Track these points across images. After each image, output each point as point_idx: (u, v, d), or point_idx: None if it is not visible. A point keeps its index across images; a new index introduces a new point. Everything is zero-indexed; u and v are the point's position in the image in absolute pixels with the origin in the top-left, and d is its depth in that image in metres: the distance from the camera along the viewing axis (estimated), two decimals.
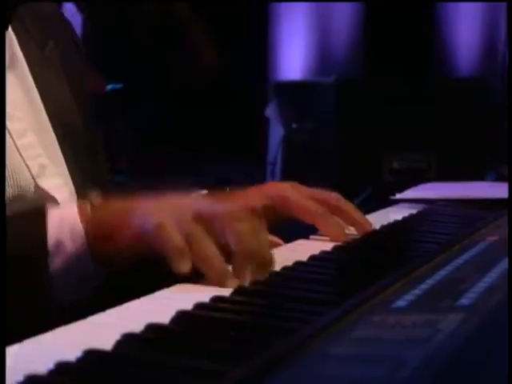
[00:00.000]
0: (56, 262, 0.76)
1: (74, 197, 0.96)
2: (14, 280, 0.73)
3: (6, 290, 0.71)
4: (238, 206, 0.78)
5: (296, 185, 0.98)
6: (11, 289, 0.72)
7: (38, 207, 0.81)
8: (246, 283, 0.71)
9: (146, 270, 0.80)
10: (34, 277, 0.76)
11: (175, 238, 0.72)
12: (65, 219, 0.78)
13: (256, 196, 0.95)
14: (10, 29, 0.94)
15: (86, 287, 0.79)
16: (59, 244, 0.77)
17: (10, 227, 0.75)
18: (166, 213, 0.75)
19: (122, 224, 0.77)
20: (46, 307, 0.76)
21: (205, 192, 0.97)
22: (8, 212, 0.79)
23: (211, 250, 0.72)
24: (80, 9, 2.81)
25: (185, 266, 0.70)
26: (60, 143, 0.96)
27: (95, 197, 0.81)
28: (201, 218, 0.74)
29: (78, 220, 0.78)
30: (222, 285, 0.71)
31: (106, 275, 0.80)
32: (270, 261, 0.75)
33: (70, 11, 2.58)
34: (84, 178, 1.00)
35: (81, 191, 0.97)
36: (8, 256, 0.73)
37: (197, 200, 0.83)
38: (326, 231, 0.94)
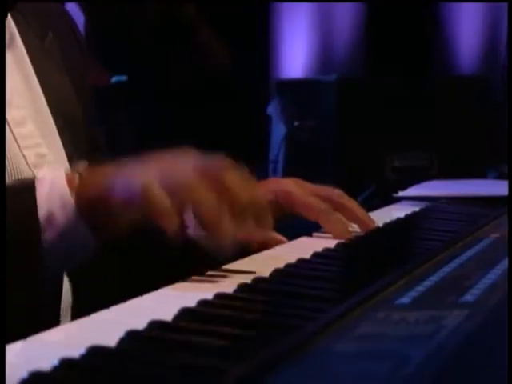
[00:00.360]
0: (48, 234, 0.75)
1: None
2: (9, 256, 0.72)
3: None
4: (228, 161, 0.77)
5: (299, 181, 0.98)
6: (7, 266, 0.72)
7: (25, 180, 0.80)
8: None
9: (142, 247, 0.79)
10: (27, 250, 0.75)
11: (161, 200, 0.71)
12: (54, 190, 0.77)
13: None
14: (9, 16, 0.94)
15: (80, 258, 0.78)
16: (50, 216, 0.76)
17: (8, 199, 0.74)
18: (152, 173, 0.75)
19: (111, 189, 0.76)
20: (41, 282, 0.75)
21: None
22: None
23: (205, 195, 0.72)
24: (82, 8, 2.81)
25: (170, 227, 0.70)
26: (60, 133, 0.96)
27: (82, 165, 0.80)
28: (194, 173, 0.74)
29: (67, 189, 0.77)
30: (217, 230, 0.71)
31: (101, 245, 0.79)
32: (266, 206, 0.75)
33: (72, 10, 2.58)
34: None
35: None
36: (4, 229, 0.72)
37: (189, 158, 0.81)
38: (329, 228, 0.94)
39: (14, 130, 0.89)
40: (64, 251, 0.76)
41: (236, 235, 0.72)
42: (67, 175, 0.78)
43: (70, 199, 0.76)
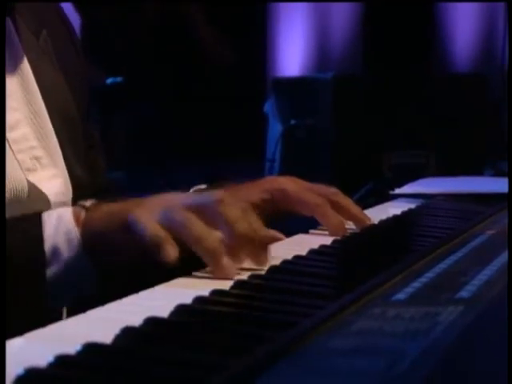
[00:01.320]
0: (52, 268, 0.77)
1: (69, 186, 0.96)
2: (12, 286, 0.73)
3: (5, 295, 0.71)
4: (225, 194, 0.78)
5: (295, 179, 0.98)
6: (9, 295, 0.72)
7: (33, 212, 0.82)
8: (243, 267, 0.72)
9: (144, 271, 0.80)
10: (31, 282, 0.76)
11: (151, 228, 0.73)
12: (60, 224, 0.78)
13: (255, 190, 0.95)
14: (10, 23, 0.94)
15: (83, 290, 0.79)
16: (56, 249, 0.77)
17: (12, 232, 0.76)
18: (150, 209, 0.76)
19: (113, 226, 0.77)
20: (43, 312, 0.76)
21: (204, 187, 0.97)
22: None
23: (202, 229, 0.73)
24: (77, 9, 2.81)
25: (170, 253, 0.71)
26: (57, 132, 0.96)
27: (89, 201, 0.81)
28: (190, 209, 0.75)
29: (74, 224, 0.78)
30: (217, 263, 0.71)
31: (104, 277, 0.80)
32: (265, 238, 0.76)
33: (68, 11, 2.57)
34: (81, 168, 1.00)
35: (78, 181, 0.97)
36: (9, 261, 0.73)
37: (188, 195, 0.83)
38: (325, 222, 0.94)
39: (8, 134, 0.89)
40: (66, 284, 0.78)
41: (236, 267, 0.73)
42: (74, 211, 0.80)
43: (75, 234, 0.77)
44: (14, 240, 0.76)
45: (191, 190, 0.97)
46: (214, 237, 0.73)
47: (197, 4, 2.95)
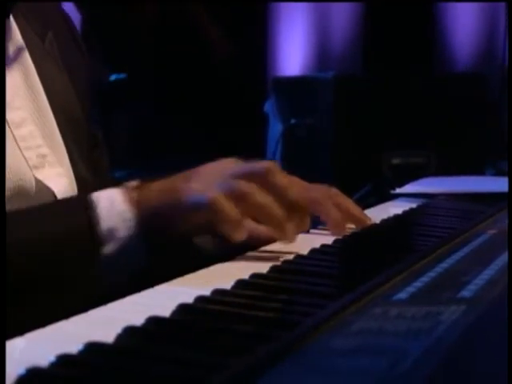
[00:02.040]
0: (108, 249, 0.77)
1: (74, 186, 0.96)
2: (68, 270, 0.75)
3: (62, 279, 0.73)
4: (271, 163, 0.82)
5: (295, 178, 0.98)
6: (66, 278, 0.74)
7: (83, 195, 0.82)
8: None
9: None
10: (87, 266, 0.77)
11: (231, 211, 0.75)
12: (113, 205, 0.78)
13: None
14: (11, 17, 0.94)
15: (136, 271, 0.80)
16: (112, 230, 0.77)
17: (59, 217, 0.77)
18: (212, 185, 0.77)
19: (171, 204, 0.78)
20: (98, 294, 0.76)
21: None
22: (10, 206, 0.80)
23: (265, 196, 0.76)
24: (78, 7, 2.81)
25: (241, 235, 0.75)
26: (62, 132, 0.96)
27: (133, 182, 0.82)
28: (242, 178, 0.78)
29: (127, 205, 0.78)
30: (283, 228, 0.77)
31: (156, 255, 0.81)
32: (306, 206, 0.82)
33: (69, 9, 2.57)
34: (86, 168, 1.00)
35: (82, 181, 0.97)
36: (60, 245, 0.74)
37: (233, 163, 0.84)
38: (326, 217, 0.94)
39: (15, 132, 0.90)
40: (121, 263, 0.78)
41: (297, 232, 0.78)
42: (124, 191, 0.80)
43: (130, 214, 0.78)
44: (65, 221, 0.76)
45: None
46: (276, 205, 0.76)
47: (199, 3, 2.95)
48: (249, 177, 0.78)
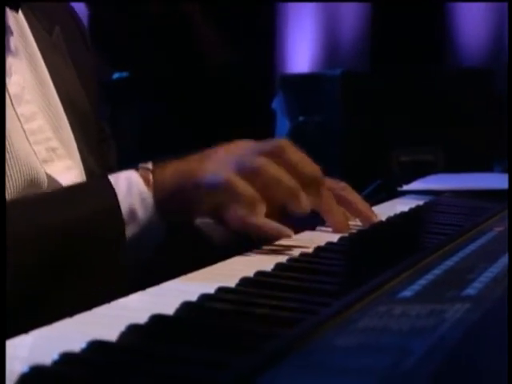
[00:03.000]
0: (130, 229, 0.78)
1: (84, 178, 0.96)
2: (93, 252, 0.75)
3: (86, 263, 0.73)
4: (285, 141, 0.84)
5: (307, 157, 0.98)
6: (94, 260, 0.75)
7: (101, 178, 0.83)
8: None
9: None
10: (113, 246, 0.77)
11: (246, 189, 0.76)
12: (132, 186, 0.79)
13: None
14: (20, 12, 0.95)
15: (152, 249, 0.80)
16: (132, 211, 0.78)
17: (80, 200, 0.78)
18: (227, 165, 0.79)
19: (186, 184, 0.79)
20: (122, 276, 0.77)
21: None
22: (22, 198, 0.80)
23: (279, 170, 0.78)
24: (86, 5, 2.82)
25: (256, 215, 0.77)
26: (71, 126, 0.97)
27: (147, 164, 0.82)
28: (259, 155, 0.79)
29: (145, 186, 0.79)
30: (298, 199, 0.79)
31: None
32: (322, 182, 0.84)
33: (77, 8, 2.57)
34: (95, 161, 1.01)
35: (92, 174, 0.98)
36: (85, 229, 0.75)
37: (248, 143, 0.85)
38: (329, 218, 0.93)
39: (25, 126, 0.90)
40: (142, 244, 0.79)
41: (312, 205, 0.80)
42: (140, 172, 0.81)
43: (148, 195, 0.79)
44: (87, 204, 0.77)
45: None
46: (289, 176, 0.78)
47: (200, 2, 2.95)
48: (263, 154, 0.79)
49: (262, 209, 0.78)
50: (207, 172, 0.79)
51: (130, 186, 0.79)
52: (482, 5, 3.92)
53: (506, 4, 3.73)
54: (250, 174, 0.77)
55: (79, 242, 0.75)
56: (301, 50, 4.00)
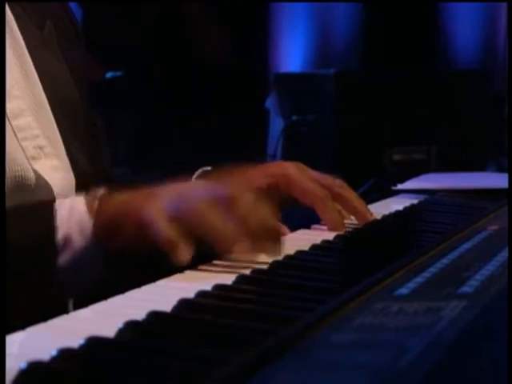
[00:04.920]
0: (64, 256, 0.77)
1: (71, 179, 0.96)
2: (21, 273, 0.74)
3: (14, 283, 0.71)
4: (234, 184, 0.79)
5: (302, 166, 0.97)
6: (18, 282, 0.73)
7: (45, 200, 0.81)
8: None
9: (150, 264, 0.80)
10: (41, 270, 0.76)
11: (164, 229, 0.72)
12: (73, 213, 0.78)
13: (259, 175, 0.95)
14: (7, 7, 0.94)
15: (91, 280, 0.79)
16: (68, 238, 0.77)
17: (18, 219, 0.76)
18: (162, 202, 0.76)
19: (127, 217, 0.77)
20: (52, 301, 0.76)
21: (209, 169, 0.97)
22: (10, 202, 0.79)
23: (216, 219, 0.73)
24: (80, 4, 2.81)
25: (182, 256, 0.71)
26: (58, 124, 0.96)
27: (101, 190, 0.81)
28: (202, 201, 0.75)
29: (87, 213, 0.78)
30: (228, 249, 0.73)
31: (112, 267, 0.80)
32: (275, 231, 0.77)
33: (71, 6, 2.56)
34: (86, 161, 1.00)
35: (82, 174, 0.97)
36: (15, 248, 0.73)
37: (198, 185, 0.83)
38: (324, 216, 0.94)
39: (13, 122, 0.89)
40: (76, 273, 0.77)
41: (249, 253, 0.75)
42: (86, 200, 0.80)
43: (88, 224, 0.77)
44: (27, 227, 0.76)
45: (197, 173, 0.96)
46: (226, 225, 0.73)
47: (196, 2, 2.95)
48: (211, 197, 0.76)
49: (183, 250, 0.72)
50: (147, 214, 0.75)
51: (71, 213, 0.78)
52: (479, 6, 3.92)
53: (497, 4, 3.73)
54: (185, 218, 0.74)
55: (16, 263, 0.74)
56: (294, 49, 4.00)
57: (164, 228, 0.72)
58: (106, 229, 0.77)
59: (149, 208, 0.75)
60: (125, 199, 0.79)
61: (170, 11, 2.85)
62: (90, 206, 0.79)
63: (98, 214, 0.78)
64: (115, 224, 0.77)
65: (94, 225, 0.77)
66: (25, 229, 0.76)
